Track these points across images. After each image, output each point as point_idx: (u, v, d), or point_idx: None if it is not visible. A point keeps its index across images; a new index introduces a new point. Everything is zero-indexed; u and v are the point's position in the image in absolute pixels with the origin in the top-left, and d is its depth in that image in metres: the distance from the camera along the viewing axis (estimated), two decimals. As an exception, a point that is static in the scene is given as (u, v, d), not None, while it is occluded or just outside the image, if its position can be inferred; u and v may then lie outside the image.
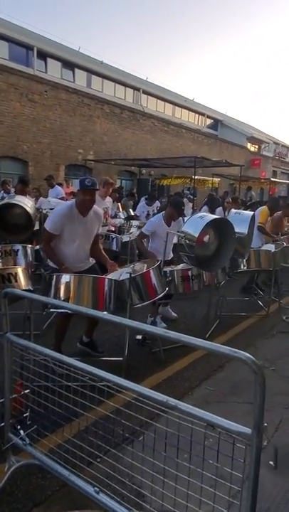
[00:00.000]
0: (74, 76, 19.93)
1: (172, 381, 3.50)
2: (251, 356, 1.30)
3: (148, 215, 8.92)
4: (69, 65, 19.64)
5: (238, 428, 1.32)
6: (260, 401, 1.27)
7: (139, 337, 4.19)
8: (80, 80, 20.00)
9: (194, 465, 1.65)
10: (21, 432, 2.22)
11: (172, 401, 1.48)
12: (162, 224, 4.63)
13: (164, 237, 4.31)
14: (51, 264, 3.64)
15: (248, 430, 1.30)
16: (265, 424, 1.28)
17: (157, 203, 10.31)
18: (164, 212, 4.79)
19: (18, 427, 2.25)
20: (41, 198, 8.78)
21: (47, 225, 3.48)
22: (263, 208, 6.72)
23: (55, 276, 3.16)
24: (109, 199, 5.96)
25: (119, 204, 9.50)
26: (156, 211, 8.87)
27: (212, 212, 8.83)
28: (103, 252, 3.94)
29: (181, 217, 4.81)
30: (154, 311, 4.40)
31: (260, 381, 1.27)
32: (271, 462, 1.31)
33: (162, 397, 1.52)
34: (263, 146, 34.66)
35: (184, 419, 1.57)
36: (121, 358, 3.47)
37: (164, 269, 4.15)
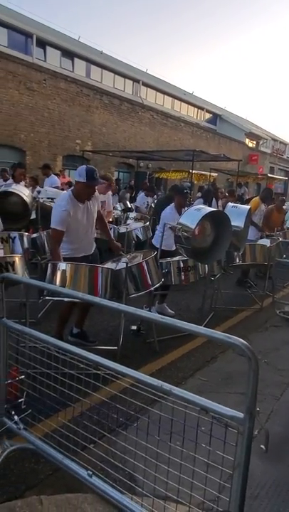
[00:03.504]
0: (73, 65, 19.71)
1: (166, 371, 3.53)
2: (245, 342, 1.32)
3: (148, 205, 9.07)
4: (68, 54, 19.42)
5: (230, 412, 1.35)
6: (253, 386, 1.30)
7: (134, 327, 4.22)
8: (79, 70, 19.79)
9: (187, 450, 1.68)
10: (15, 416, 2.24)
11: (166, 386, 1.50)
12: (176, 215, 4.74)
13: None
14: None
15: (240, 414, 1.33)
16: (258, 409, 1.31)
17: (155, 197, 10.45)
18: (174, 203, 4.88)
19: (13, 411, 2.27)
20: (38, 187, 8.74)
21: (55, 224, 3.36)
22: (255, 199, 6.85)
23: (51, 264, 3.16)
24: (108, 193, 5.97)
25: (117, 195, 9.57)
26: (154, 202, 9.06)
27: (208, 205, 8.91)
28: (109, 229, 4.05)
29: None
30: (150, 301, 4.42)
31: (254, 367, 1.30)
32: (262, 446, 1.33)
33: (157, 382, 1.54)
34: (261, 142, 34.62)
35: (178, 405, 1.59)
36: (115, 347, 3.49)
37: (160, 261, 4.17)
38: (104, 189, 5.46)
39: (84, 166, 3.45)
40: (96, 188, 3.57)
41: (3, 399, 2.23)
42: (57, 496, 1.94)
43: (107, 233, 4.04)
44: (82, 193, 3.43)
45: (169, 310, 4.99)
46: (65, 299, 3.11)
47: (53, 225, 3.41)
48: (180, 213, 4.75)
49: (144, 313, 1.63)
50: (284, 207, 7.82)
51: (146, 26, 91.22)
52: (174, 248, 4.79)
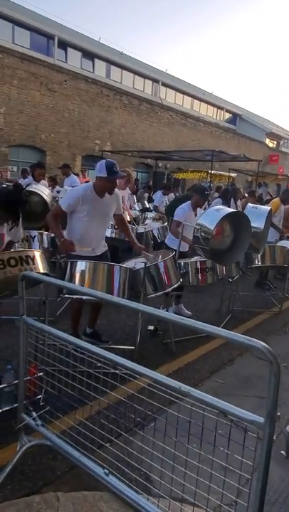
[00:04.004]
0: (94, 66, 19.89)
1: (182, 372, 3.51)
2: (267, 345, 1.30)
3: (166, 204, 9.12)
4: (89, 55, 19.61)
5: (250, 416, 1.33)
6: (274, 390, 1.27)
7: (150, 327, 4.22)
8: (99, 71, 19.96)
9: (205, 452, 1.66)
10: (34, 413, 2.27)
11: (185, 387, 1.49)
12: (191, 213, 4.70)
13: (191, 226, 4.36)
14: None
15: (260, 419, 1.31)
16: (279, 414, 1.28)
17: (172, 195, 10.46)
18: (190, 201, 4.82)
19: (31, 408, 2.30)
20: (57, 187, 8.84)
21: (61, 202, 3.45)
22: (275, 200, 6.73)
23: (70, 263, 3.18)
24: (126, 190, 6.01)
25: (134, 196, 9.61)
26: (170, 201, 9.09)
27: (226, 205, 8.83)
28: (131, 232, 4.01)
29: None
30: (167, 302, 4.41)
31: (275, 370, 1.27)
32: (283, 452, 1.31)
33: (175, 383, 1.53)
34: (281, 142, 34.09)
35: (196, 407, 1.58)
36: (133, 347, 3.49)
37: (179, 261, 4.16)
38: (123, 184, 5.49)
39: (103, 161, 3.39)
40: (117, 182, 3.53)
41: (22, 395, 2.27)
42: (73, 493, 1.96)
43: (128, 235, 3.91)
44: (104, 188, 3.39)
45: (186, 311, 4.96)
46: (84, 297, 3.13)
47: (60, 202, 3.55)
48: (196, 213, 4.71)
49: (163, 313, 1.62)
50: None
51: (166, 26, 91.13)
52: (186, 249, 4.74)
